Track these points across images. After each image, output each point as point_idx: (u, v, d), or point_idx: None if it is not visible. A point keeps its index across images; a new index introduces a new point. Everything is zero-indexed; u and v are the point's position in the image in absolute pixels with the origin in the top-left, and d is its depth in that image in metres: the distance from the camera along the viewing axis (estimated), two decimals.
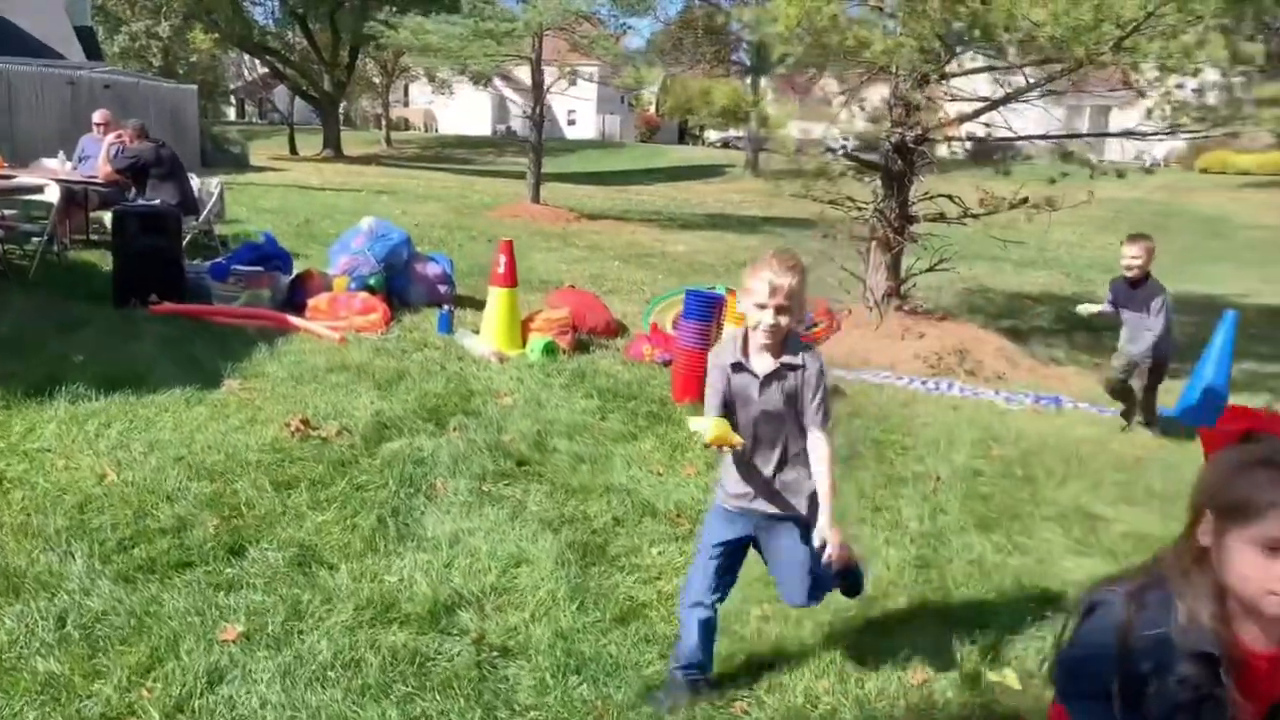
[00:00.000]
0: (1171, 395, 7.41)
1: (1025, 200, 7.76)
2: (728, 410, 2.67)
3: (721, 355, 2.72)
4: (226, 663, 2.82)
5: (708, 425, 2.55)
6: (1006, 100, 7.24)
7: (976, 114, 7.54)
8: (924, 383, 7.12)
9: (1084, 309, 6.53)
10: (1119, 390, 6.24)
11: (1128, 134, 8.00)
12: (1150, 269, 6.07)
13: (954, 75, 7.57)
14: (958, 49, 6.84)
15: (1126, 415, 6.38)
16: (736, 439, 2.58)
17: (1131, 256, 5.99)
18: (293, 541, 3.63)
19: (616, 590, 3.48)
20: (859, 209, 8.27)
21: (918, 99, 7.14)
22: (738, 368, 2.67)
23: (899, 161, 7.93)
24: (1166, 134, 7.29)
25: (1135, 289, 6.07)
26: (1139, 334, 6.03)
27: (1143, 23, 5.61)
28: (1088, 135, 9.29)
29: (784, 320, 2.57)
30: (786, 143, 7.11)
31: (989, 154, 8.18)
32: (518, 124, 63.88)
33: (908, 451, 5.41)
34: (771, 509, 2.75)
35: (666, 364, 6.70)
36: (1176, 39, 6.00)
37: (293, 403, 5.24)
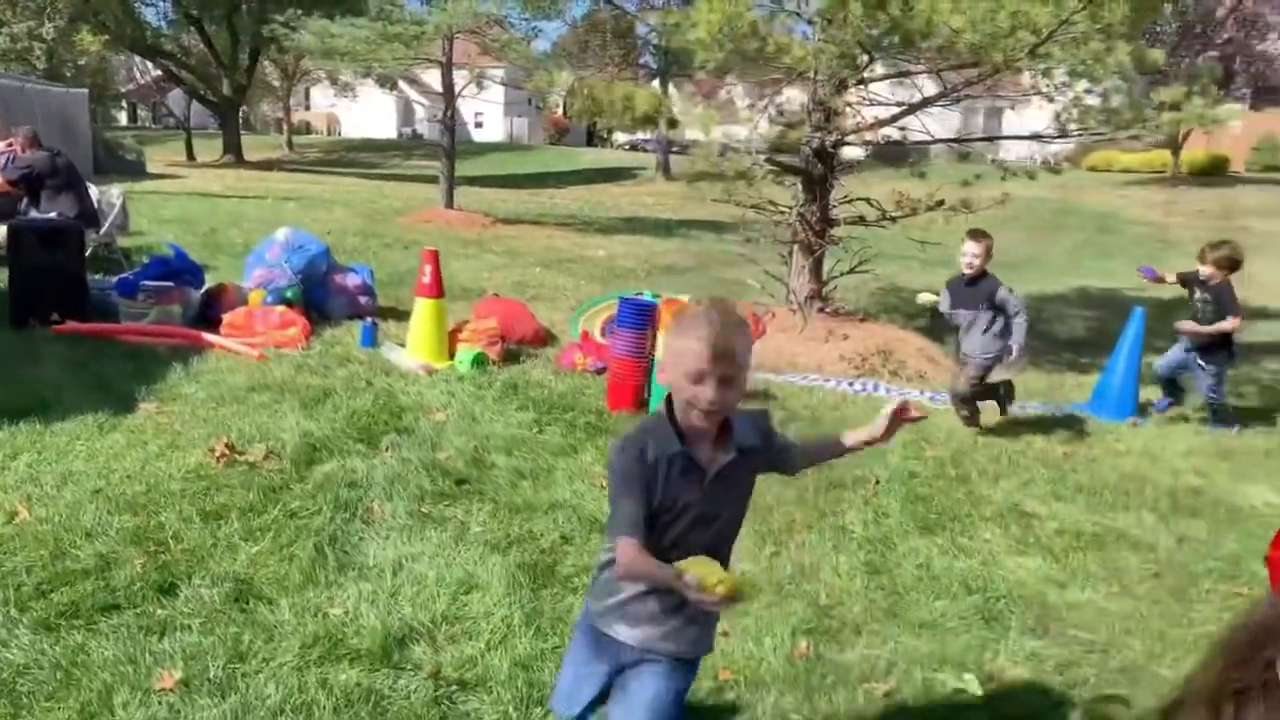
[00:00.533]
0: (1084, 390, 7.68)
1: (941, 203, 7.93)
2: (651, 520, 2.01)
3: (652, 441, 2.01)
4: (166, 714, 2.65)
5: (701, 575, 1.84)
6: (924, 104, 7.39)
7: (894, 119, 7.68)
8: (851, 384, 7.21)
9: (923, 298, 6.33)
10: (981, 394, 6.10)
11: (1036, 136, 8.24)
12: (988, 266, 6.01)
13: (872, 80, 7.69)
14: (876, 55, 6.93)
15: (1001, 407, 6.35)
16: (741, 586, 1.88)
17: (973, 254, 5.88)
18: (227, 576, 3.45)
19: (572, 614, 3.39)
20: (780, 213, 8.34)
21: (837, 104, 7.23)
22: (679, 460, 2.00)
23: (819, 166, 8.02)
24: (1076, 136, 7.53)
25: (971, 286, 5.97)
26: (973, 332, 5.97)
27: (1056, 30, 5.78)
28: (1003, 137, 9.57)
29: (730, 397, 1.96)
30: (710, 147, 7.11)
31: (904, 157, 8.33)
32: (424, 127, 63.06)
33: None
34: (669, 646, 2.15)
35: (599, 372, 6.63)
36: (1086, 45, 6.19)
37: (215, 426, 5.01)
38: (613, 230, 18.61)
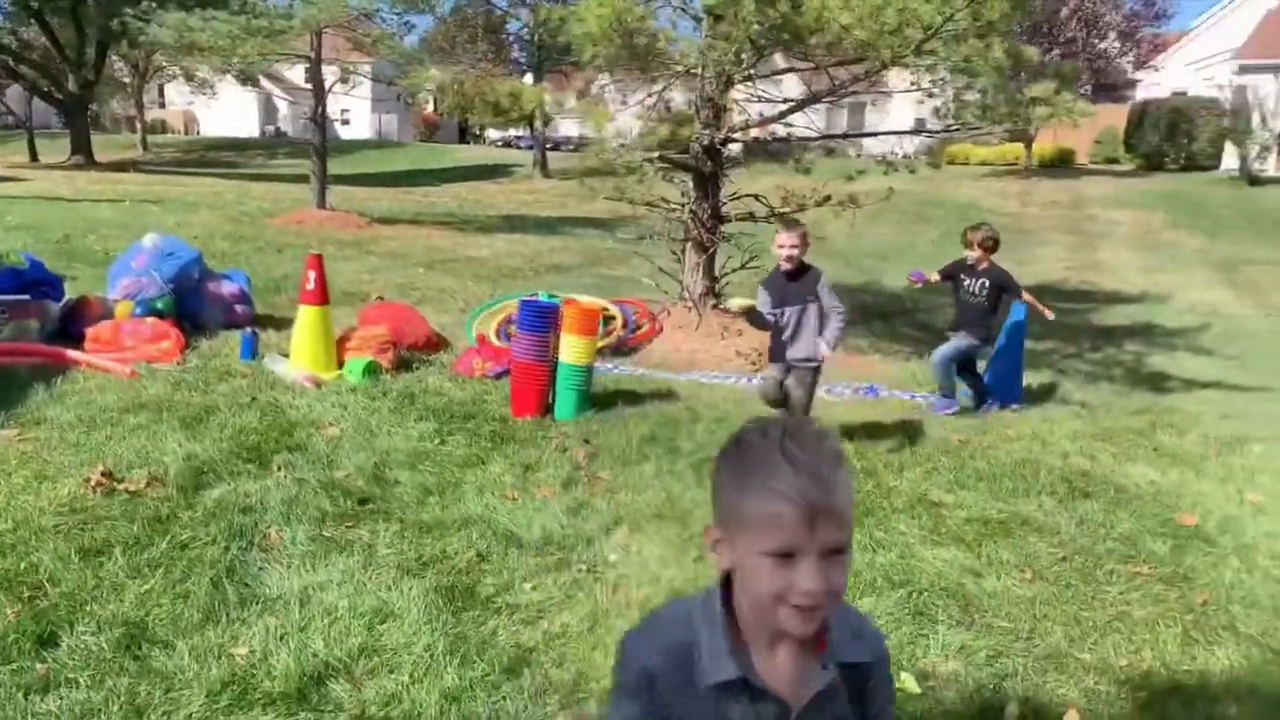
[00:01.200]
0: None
1: (828, 198, 8.04)
2: None
3: (675, 660, 1.30)
4: None
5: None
6: (813, 101, 7.48)
7: (782, 115, 7.74)
8: (750, 380, 7.23)
9: (734, 304, 5.26)
10: (778, 400, 5.43)
11: (918, 131, 8.48)
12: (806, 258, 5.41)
13: (760, 77, 7.73)
14: (765, 51, 6.96)
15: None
16: None
17: (791, 246, 5.14)
18: (115, 620, 3.16)
19: (497, 637, 3.25)
20: (671, 210, 8.31)
21: (726, 101, 7.24)
22: (739, 694, 1.28)
23: (709, 163, 8.02)
24: (954, 130, 7.74)
25: (795, 280, 5.30)
26: (803, 334, 5.31)
27: (940, 27, 5.91)
28: (885, 133, 9.80)
29: (840, 581, 1.25)
30: (603, 143, 7.01)
31: (787, 153, 8.41)
32: (287, 124, 60.82)
33: None
34: None
35: (499, 377, 6.45)
36: (966, 42, 6.36)
37: (87, 452, 4.62)
38: (494, 229, 18.30)
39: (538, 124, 35.51)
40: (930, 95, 7.81)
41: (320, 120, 16.59)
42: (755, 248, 8.29)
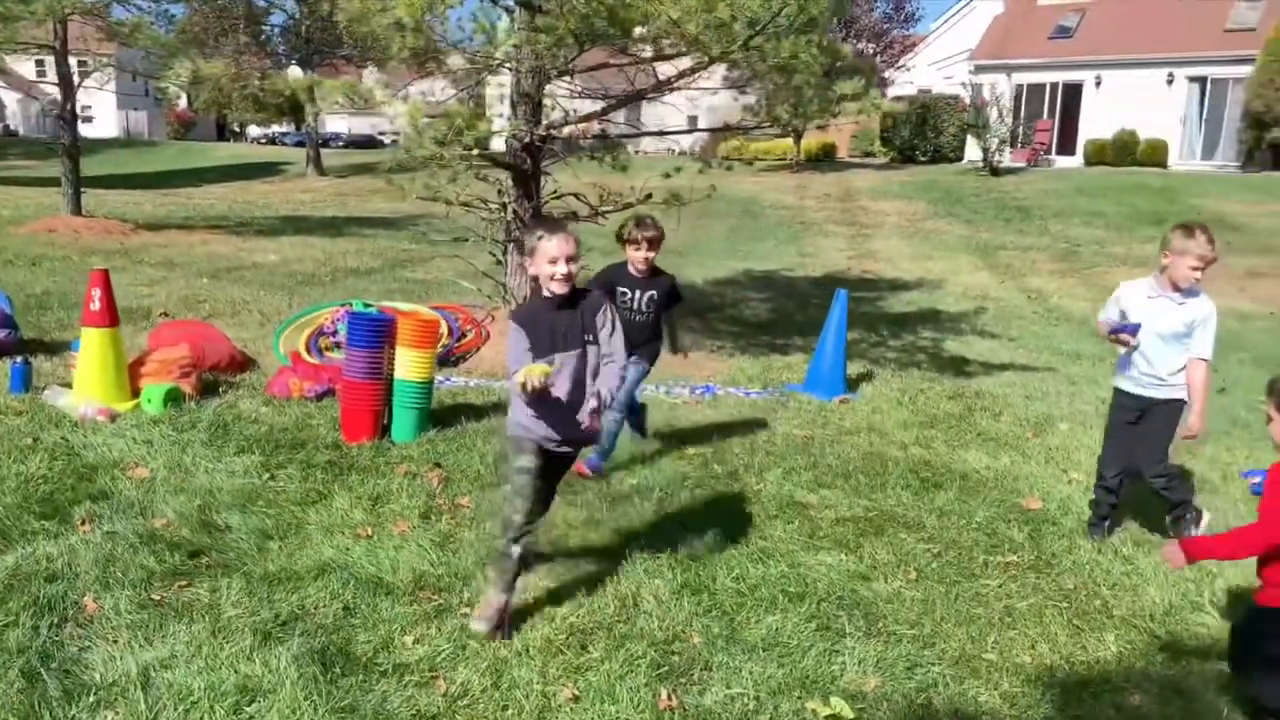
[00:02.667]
0: (791, 370, 8.08)
1: (649, 196, 7.94)
2: None
3: None
4: None
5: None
6: (639, 96, 7.34)
7: (605, 111, 7.56)
8: None
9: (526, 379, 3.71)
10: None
11: (728, 128, 8.53)
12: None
13: (580, 71, 7.50)
14: (586, 45, 6.74)
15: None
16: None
17: (566, 259, 3.29)
18: None
19: (390, 705, 2.86)
20: (490, 210, 7.95)
21: (545, 96, 6.98)
22: None
23: (528, 160, 7.72)
24: (768, 125, 7.83)
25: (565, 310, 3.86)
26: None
27: (770, 22, 5.92)
28: (706, 130, 9.79)
29: None
30: (418, 139, 6.53)
31: (606, 150, 8.23)
32: (18, 122, 54.50)
33: (614, 464, 5.23)
34: None
35: (320, 398, 5.90)
36: (787, 38, 6.42)
37: None
38: (276, 231, 17.04)
39: (309, 120, 33.63)
40: (743, 92, 7.87)
41: (70, 117, 14.81)
42: (579, 247, 8.07)
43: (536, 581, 3.70)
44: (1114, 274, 16.00)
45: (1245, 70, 27.03)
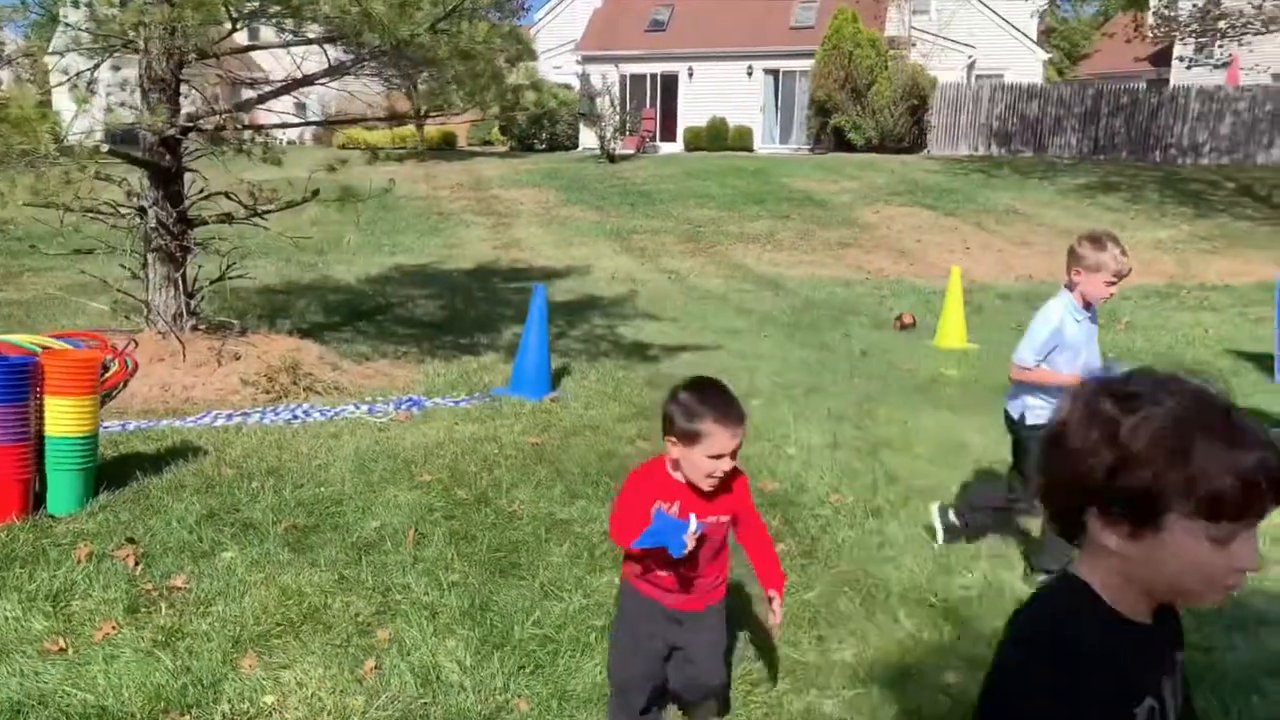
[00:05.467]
0: (489, 371, 7.73)
1: (316, 192, 7.16)
2: None
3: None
4: None
5: None
6: (307, 82, 6.48)
7: (263, 99, 6.61)
8: (275, 413, 6.15)
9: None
10: None
11: (396, 116, 7.88)
12: None
13: (228, 54, 6.49)
14: (239, 24, 5.82)
15: None
16: None
17: None
18: None
19: None
20: (123, 215, 6.70)
21: (207, 82, 5.95)
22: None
23: (167, 156, 6.59)
24: (434, 117, 7.34)
25: None
26: None
27: (461, 4, 5.47)
28: (373, 120, 8.96)
29: None
30: (36, 135, 5.26)
31: (258, 143, 7.28)
32: None
33: (343, 505, 4.57)
34: None
35: None
36: (473, 23, 6.02)
37: None
38: None
39: None
40: (405, 76, 7.32)
41: None
42: (234, 253, 7.08)
43: (301, 672, 3.08)
44: (734, 250, 17.39)
45: (808, 64, 30.56)
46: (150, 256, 6.69)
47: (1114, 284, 3.84)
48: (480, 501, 4.71)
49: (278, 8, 5.54)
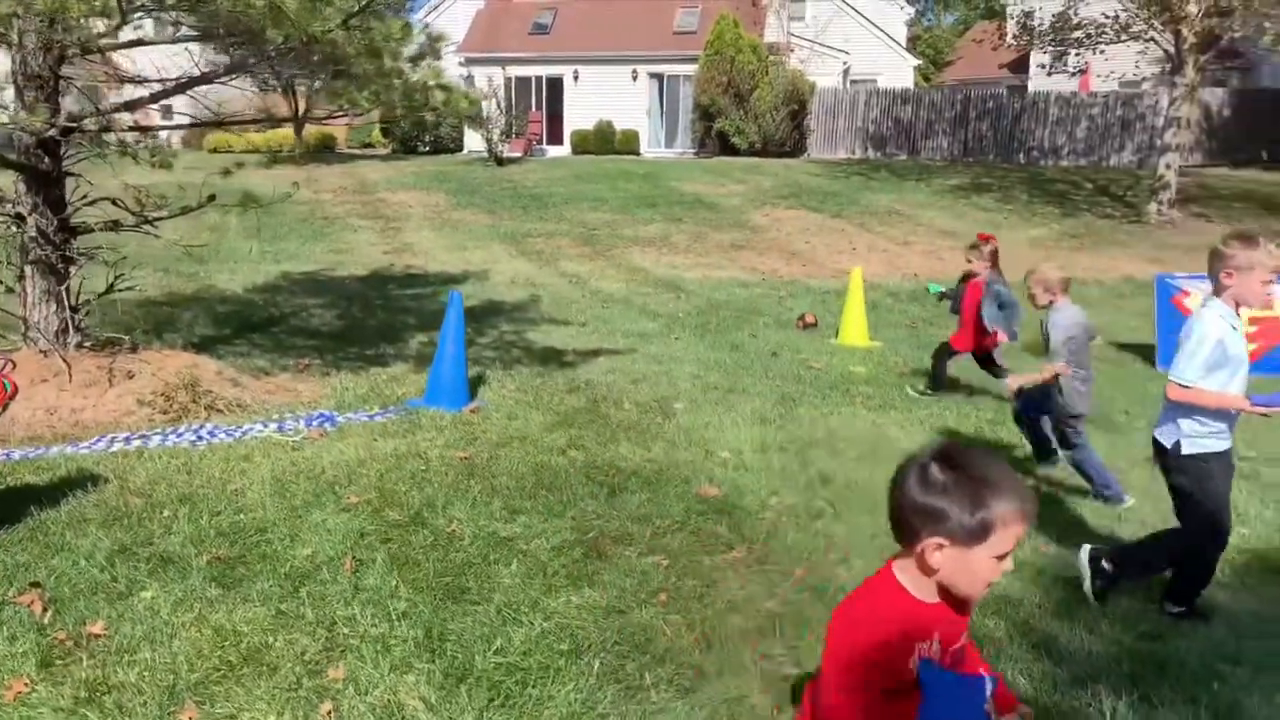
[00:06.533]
0: (401, 383, 7.42)
1: (213, 197, 6.74)
2: None
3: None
4: None
5: None
6: (204, 81, 6.05)
7: (157, 97, 6.15)
8: (178, 434, 5.73)
9: None
10: None
11: (266, 118, 7.49)
12: None
13: (113, 49, 6.02)
14: (129, 18, 5.39)
15: None
16: None
17: None
18: None
19: None
20: None
21: (97, 76, 5.48)
22: None
23: (45, 159, 6.08)
24: (319, 119, 7.01)
25: None
26: None
27: (372, 2, 5.20)
28: (263, 121, 8.47)
29: None
30: None
31: (145, 146, 6.80)
32: None
33: (268, 532, 4.27)
34: None
35: None
36: (381, 21, 5.76)
37: None
38: None
39: None
40: (310, 75, 6.97)
41: None
42: (123, 264, 6.60)
43: None
44: (630, 253, 17.35)
45: (692, 68, 30.85)
46: (29, 269, 6.15)
47: (1270, 282, 3.49)
48: (415, 522, 4.47)
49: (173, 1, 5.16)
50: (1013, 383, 5.61)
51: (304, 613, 3.51)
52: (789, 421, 6.71)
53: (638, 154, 31.55)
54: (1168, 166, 20.25)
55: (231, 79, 6.34)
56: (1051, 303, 5.35)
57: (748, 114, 29.10)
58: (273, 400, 6.71)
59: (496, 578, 3.90)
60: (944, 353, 7.89)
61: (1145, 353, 9.82)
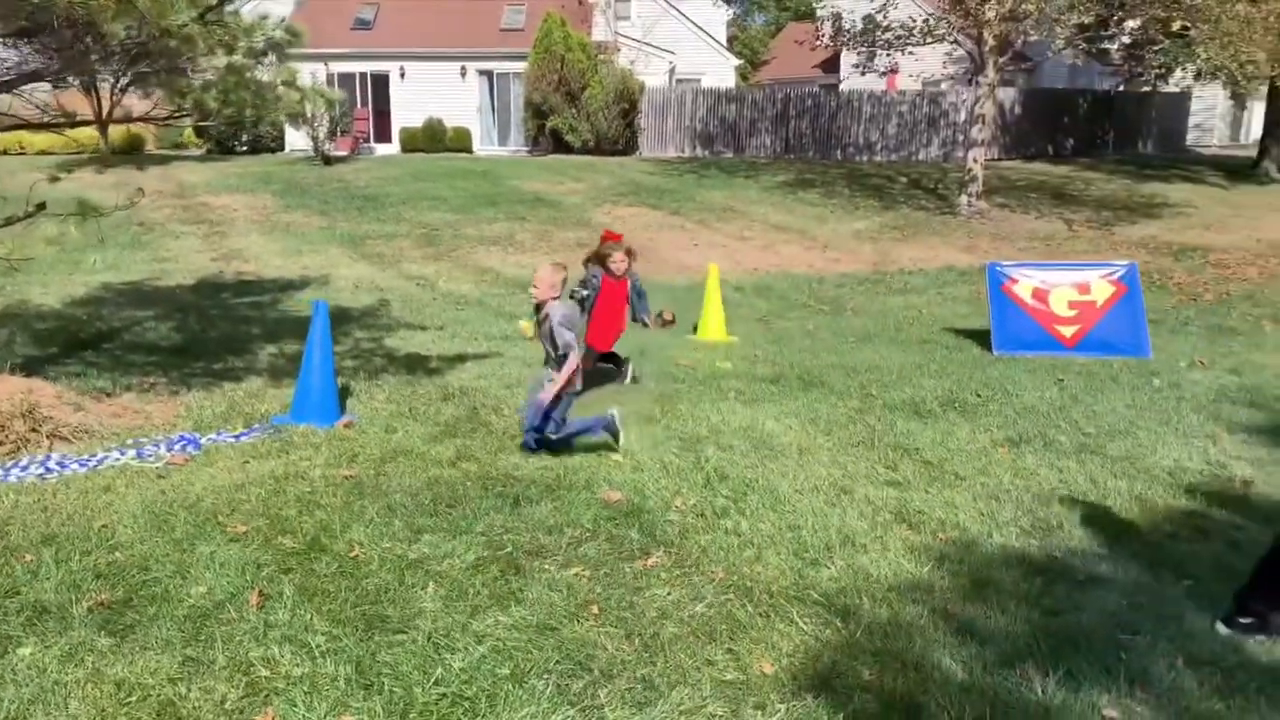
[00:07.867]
0: (267, 400, 6.99)
1: (43, 205, 6.15)
2: None
3: None
4: None
5: None
6: (35, 78, 5.44)
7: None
8: (21, 468, 5.18)
9: None
10: None
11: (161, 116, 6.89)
12: None
13: None
14: None
15: None
16: None
17: None
18: None
19: None
20: None
21: None
22: None
23: None
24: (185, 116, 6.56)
25: None
26: None
27: None
28: (147, 119, 7.72)
29: None
30: None
31: None
32: None
33: (151, 570, 3.92)
34: None
35: None
36: (239, 20, 5.40)
37: None
38: None
39: None
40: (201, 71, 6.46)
41: None
42: None
43: None
44: (475, 253, 17.05)
45: (522, 66, 30.60)
46: None
47: None
48: (314, 549, 4.22)
49: None
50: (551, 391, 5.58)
51: (214, 657, 3.24)
52: (672, 420, 6.74)
53: (470, 152, 31.03)
54: (974, 160, 21.67)
55: (71, 75, 5.77)
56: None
57: (580, 112, 29.13)
58: (122, 424, 6.18)
59: (416, 603, 3.72)
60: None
61: (980, 338, 10.44)
